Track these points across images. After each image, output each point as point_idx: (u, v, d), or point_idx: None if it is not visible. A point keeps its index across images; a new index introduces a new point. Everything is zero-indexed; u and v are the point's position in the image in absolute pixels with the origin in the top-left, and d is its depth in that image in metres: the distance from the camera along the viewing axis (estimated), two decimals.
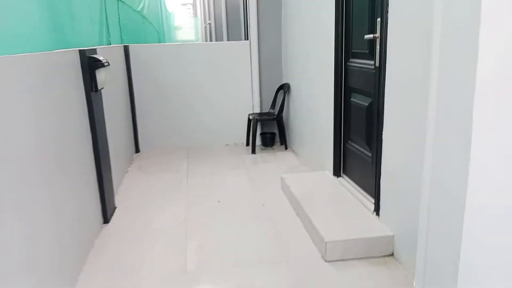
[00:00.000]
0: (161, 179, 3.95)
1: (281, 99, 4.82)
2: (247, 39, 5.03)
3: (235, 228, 2.86)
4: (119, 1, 5.13)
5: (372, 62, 2.60)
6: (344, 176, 3.28)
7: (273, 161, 4.40)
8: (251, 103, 5.03)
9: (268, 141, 4.93)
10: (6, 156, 1.62)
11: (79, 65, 2.75)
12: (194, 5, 27.40)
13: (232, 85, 4.98)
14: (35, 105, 1.97)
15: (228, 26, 8.99)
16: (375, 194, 2.59)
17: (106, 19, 4.42)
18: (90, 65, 2.81)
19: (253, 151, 4.71)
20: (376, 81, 2.55)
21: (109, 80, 3.12)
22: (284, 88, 4.78)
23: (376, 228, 2.47)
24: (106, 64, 2.93)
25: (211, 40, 13.45)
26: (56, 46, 2.53)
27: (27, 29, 2.21)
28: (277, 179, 3.79)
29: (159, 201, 3.41)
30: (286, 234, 2.74)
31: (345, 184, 3.15)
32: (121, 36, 5.26)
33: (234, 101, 5.02)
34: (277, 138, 5.03)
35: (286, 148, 4.84)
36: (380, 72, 2.45)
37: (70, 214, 2.33)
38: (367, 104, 2.74)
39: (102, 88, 3.01)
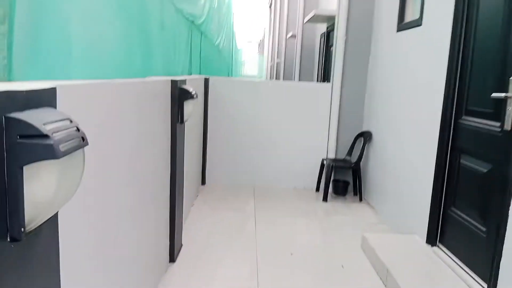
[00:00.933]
0: (228, 218, 3.72)
1: (360, 147, 4.50)
2: (320, 81, 4.82)
3: None
4: (203, 35, 5.19)
5: (498, 124, 2.24)
6: (440, 246, 2.85)
7: (348, 213, 4.04)
8: (326, 147, 4.75)
9: (341, 190, 4.58)
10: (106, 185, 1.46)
11: (169, 95, 2.65)
12: (261, 44, 28.23)
13: (308, 127, 4.76)
14: (130, 131, 1.84)
15: (301, 66, 8.93)
16: (490, 277, 2.16)
17: (191, 50, 4.44)
18: (179, 95, 2.70)
19: (325, 199, 4.38)
20: (502, 146, 2.18)
21: (194, 112, 3.00)
22: (365, 136, 4.46)
23: None
24: (195, 96, 2.81)
25: (277, 78, 13.51)
26: (147, 73, 2.45)
27: (123, 54, 2.13)
28: (354, 236, 3.42)
29: (226, 243, 3.17)
30: None
31: (443, 256, 2.72)
32: (200, 68, 5.29)
33: (308, 144, 4.77)
34: (350, 188, 4.67)
35: (360, 199, 4.46)
36: (510, 136, 2.09)
37: (143, 249, 2.13)
38: (485, 171, 2.36)
39: (187, 120, 2.89)
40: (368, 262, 2.95)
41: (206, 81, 4.69)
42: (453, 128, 2.76)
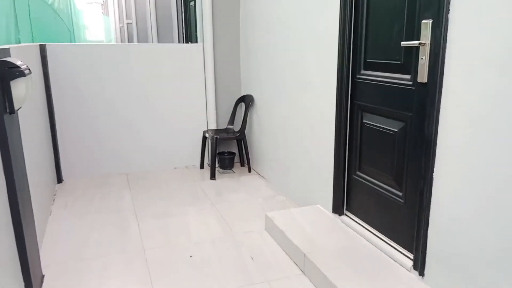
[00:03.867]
0: (100, 223, 2.96)
1: (242, 113, 4.09)
2: (183, 42, 4.20)
3: None
4: None
5: (409, 77, 2.01)
6: (348, 214, 2.66)
7: (240, 189, 3.65)
8: (205, 118, 4.22)
9: (228, 163, 4.16)
10: None
11: None
12: (104, 4, 25.18)
13: (182, 97, 4.12)
14: None
15: (158, 27, 7.99)
16: (417, 248, 2.00)
17: (15, 10, 3.33)
18: (2, 74, 1.81)
19: (213, 176, 3.90)
20: (417, 101, 1.96)
21: (29, 95, 2.12)
22: (246, 101, 4.05)
23: None
24: (26, 72, 1.94)
25: (130, 42, 12.15)
26: None
27: None
28: (254, 216, 3.06)
29: (105, 258, 2.46)
30: None
31: (355, 226, 2.53)
32: (32, 34, 4.12)
33: (184, 116, 4.16)
34: (236, 159, 4.28)
35: (249, 171, 4.11)
36: (427, 90, 1.86)
37: None
38: (396, 130, 2.15)
39: (20, 107, 2.02)
40: (277, 245, 2.61)
41: (43, 50, 3.61)
42: (352, 84, 2.49)
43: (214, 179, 3.88)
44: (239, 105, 4.23)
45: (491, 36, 1.52)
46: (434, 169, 1.86)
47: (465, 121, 1.67)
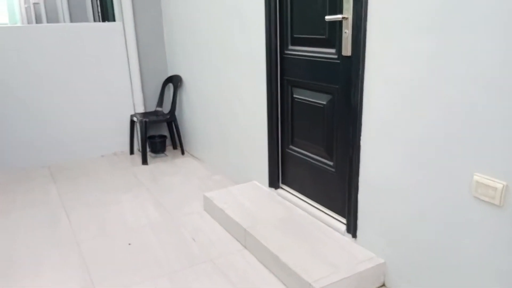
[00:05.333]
0: (27, 220, 2.75)
1: (171, 94, 3.99)
2: (99, 21, 3.97)
3: (171, 285, 2.04)
4: None
5: (334, 51, 2.10)
6: (284, 187, 2.75)
7: (175, 172, 3.59)
8: (132, 101, 4.04)
9: (159, 147, 4.05)
10: None
11: None
12: None
13: (103, 80, 3.90)
14: None
15: (70, 5, 7.39)
16: (349, 212, 2.13)
17: None
18: None
19: (145, 161, 3.78)
20: (342, 74, 2.05)
21: None
22: (174, 81, 3.95)
23: (362, 256, 2.01)
24: None
25: (38, 23, 11.11)
26: None
27: None
28: (192, 197, 3.04)
29: (35, 256, 2.31)
30: (245, 280, 2.07)
31: (291, 198, 2.62)
32: None
33: (107, 100, 3.95)
34: (168, 142, 4.19)
35: (183, 153, 4.05)
36: (351, 62, 1.96)
37: None
38: (325, 103, 2.24)
39: None
40: (218, 224, 2.63)
41: None
42: (281, 60, 2.53)
43: (147, 164, 3.77)
44: (167, 86, 4.11)
45: (406, 5, 1.63)
46: (361, 137, 1.97)
47: (386, 88, 1.78)
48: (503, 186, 1.39)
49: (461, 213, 1.56)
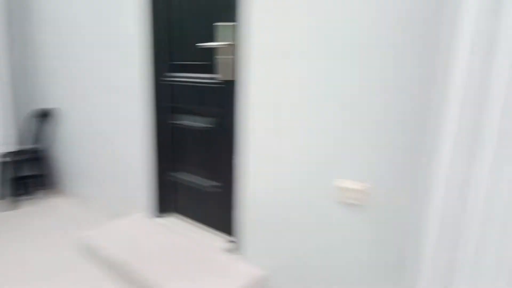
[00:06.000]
0: None
1: (42, 129, 3.67)
2: None
3: None
4: None
5: (215, 76, 2.19)
6: (171, 214, 2.69)
7: (48, 214, 3.24)
8: None
9: (30, 188, 3.64)
10: None
11: None
12: None
13: None
14: None
15: None
16: (236, 230, 2.18)
17: None
18: None
19: (14, 206, 3.36)
20: (224, 99, 2.15)
21: None
22: (44, 115, 3.65)
23: (248, 272, 2.05)
24: None
25: None
26: None
27: None
28: (67, 240, 2.78)
29: None
30: None
31: (178, 224, 2.57)
32: None
33: None
34: (41, 181, 3.80)
35: (58, 192, 3.70)
36: (233, 87, 2.07)
37: None
38: (209, 126, 2.30)
39: None
40: (97, 265, 2.44)
41: None
42: (161, 87, 2.55)
43: (14, 209, 3.35)
44: (37, 120, 3.77)
45: (279, 36, 1.80)
46: (243, 157, 2.06)
47: (263, 111, 1.92)
48: (364, 189, 1.58)
49: (329, 217, 1.71)
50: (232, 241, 2.22)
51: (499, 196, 1.02)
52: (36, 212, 3.27)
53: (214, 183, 2.32)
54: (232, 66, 2.05)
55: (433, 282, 1.17)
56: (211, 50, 2.19)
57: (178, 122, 2.49)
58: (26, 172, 3.75)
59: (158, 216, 2.71)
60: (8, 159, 3.35)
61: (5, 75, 3.61)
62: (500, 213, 1.03)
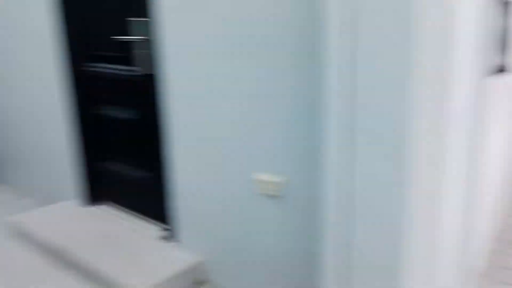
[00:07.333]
0: None
1: None
2: None
3: None
4: None
5: (137, 68, 2.19)
6: (101, 203, 2.71)
7: None
8: None
9: None
10: None
11: None
12: None
13: None
14: None
15: None
16: (168, 219, 2.28)
17: None
18: None
19: None
20: (146, 91, 2.18)
21: None
22: None
23: (182, 258, 2.17)
24: None
25: None
26: None
27: None
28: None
29: None
30: None
31: (110, 212, 2.62)
32: None
33: None
34: None
35: None
36: (153, 80, 2.10)
37: None
38: (132, 117, 2.32)
39: None
40: (29, 249, 2.43)
41: None
42: (82, 78, 2.51)
43: None
44: None
45: (184, 33, 1.85)
46: (170, 147, 2.14)
47: (182, 103, 1.98)
48: (280, 181, 1.74)
49: (251, 208, 1.87)
50: (166, 229, 2.32)
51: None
52: None
53: (145, 173, 2.39)
54: (150, 60, 2.08)
55: (334, 264, 1.38)
56: (130, 44, 2.18)
57: (102, 112, 2.48)
58: None
59: (89, 205, 2.72)
60: None
61: None
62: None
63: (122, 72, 2.27)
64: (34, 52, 2.64)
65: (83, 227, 2.48)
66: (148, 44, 2.05)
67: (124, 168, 2.49)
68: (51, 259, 2.31)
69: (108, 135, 2.49)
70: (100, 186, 2.68)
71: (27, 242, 2.44)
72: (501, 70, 2.03)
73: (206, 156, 1.97)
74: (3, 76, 2.95)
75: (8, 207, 3.02)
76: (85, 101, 2.52)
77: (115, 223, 2.54)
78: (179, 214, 2.22)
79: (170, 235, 2.29)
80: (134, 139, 2.35)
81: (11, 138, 3.13)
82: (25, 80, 2.79)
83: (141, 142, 2.32)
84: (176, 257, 2.18)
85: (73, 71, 2.47)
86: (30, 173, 3.11)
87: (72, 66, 2.46)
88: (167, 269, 2.07)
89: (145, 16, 2.03)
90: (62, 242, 2.30)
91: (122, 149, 2.45)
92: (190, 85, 1.92)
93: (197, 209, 2.11)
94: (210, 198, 2.03)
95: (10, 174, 3.31)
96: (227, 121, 1.83)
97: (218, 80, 1.80)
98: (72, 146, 2.64)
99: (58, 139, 2.73)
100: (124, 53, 2.22)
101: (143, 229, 2.43)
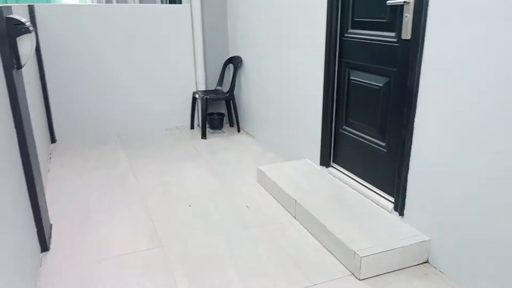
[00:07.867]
0: (98, 178, 3.10)
1: (231, 74, 4.20)
2: (166, 3, 4.22)
3: (226, 243, 2.26)
4: None
5: (393, 34, 2.17)
6: (335, 166, 2.87)
7: (231, 147, 3.82)
8: (194, 79, 4.31)
9: (217, 123, 4.30)
10: None
11: None
12: None
13: (170, 58, 4.18)
14: None
15: None
16: (398, 191, 2.22)
17: None
18: (9, 30, 1.88)
19: (204, 136, 4.05)
20: (400, 57, 2.13)
21: (33, 52, 2.18)
22: (234, 62, 4.15)
23: (407, 233, 2.11)
24: (31, 28, 2.01)
25: (108, 2, 11.81)
26: None
27: None
28: (247, 170, 3.25)
29: (107, 209, 2.63)
30: (293, 245, 2.24)
31: (341, 176, 2.75)
32: None
33: (173, 78, 4.24)
34: (225, 119, 4.43)
35: (239, 130, 4.27)
36: (410, 46, 2.03)
37: None
38: (381, 85, 2.33)
39: (25, 63, 2.09)
40: (270, 195, 2.82)
41: (32, 11, 3.59)
42: (340, 43, 2.64)
43: (205, 139, 4.03)
44: (228, 66, 4.33)
45: None
46: (415, 118, 2.05)
47: (443, 72, 1.85)
48: None
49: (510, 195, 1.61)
50: (395, 203, 2.27)
51: None
52: (222, 144, 3.87)
53: (385, 143, 2.37)
54: (411, 24, 1.99)
55: None
56: (390, 8, 2.15)
57: (353, 78, 2.57)
58: (214, 110, 4.40)
59: (324, 165, 2.92)
60: (201, 96, 3.99)
61: (202, 28, 4.19)
62: None
63: (378, 38, 2.28)
64: (304, 18, 2.92)
65: (316, 185, 2.70)
66: (414, 8, 1.98)
67: (364, 136, 2.53)
68: (286, 205, 2.60)
69: (355, 100, 2.57)
70: (338, 149, 2.82)
71: (269, 187, 2.81)
72: None
73: (461, 132, 1.79)
74: (265, 41, 3.41)
75: (257, 158, 3.55)
76: (340, 68, 2.66)
77: (345, 187, 2.64)
78: (411, 188, 2.12)
79: (397, 208, 2.23)
80: (381, 107, 2.35)
81: (260, 96, 3.63)
82: (294, 45, 3.15)
83: (387, 111, 2.30)
84: (401, 231, 2.12)
85: (336, 38, 2.63)
86: (274, 130, 3.55)
87: (337, 33, 2.63)
88: (392, 240, 2.04)
89: None
90: (296, 194, 2.56)
91: (366, 116, 2.49)
92: (453, 52, 1.76)
93: (433, 187, 1.97)
94: (455, 177, 1.85)
95: (257, 128, 3.87)
96: (499, 96, 1.60)
97: (488, 52, 1.58)
98: (321, 109, 2.85)
99: (309, 101, 3.00)
100: (386, 18, 2.22)
101: (370, 197, 2.45)
